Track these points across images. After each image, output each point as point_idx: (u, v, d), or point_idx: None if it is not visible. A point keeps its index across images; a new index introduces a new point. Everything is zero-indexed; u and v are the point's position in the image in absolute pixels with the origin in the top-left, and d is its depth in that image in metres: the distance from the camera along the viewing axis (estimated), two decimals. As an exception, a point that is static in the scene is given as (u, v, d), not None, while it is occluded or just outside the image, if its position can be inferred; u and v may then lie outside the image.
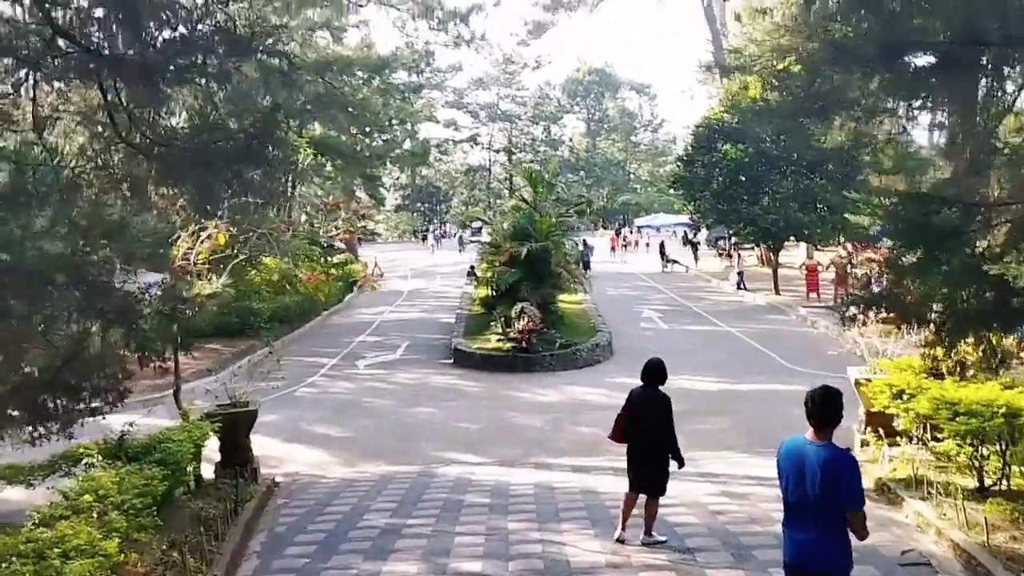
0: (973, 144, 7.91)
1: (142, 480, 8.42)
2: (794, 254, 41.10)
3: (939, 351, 8.22)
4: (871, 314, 19.88)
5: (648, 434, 8.43)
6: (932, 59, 7.17)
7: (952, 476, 9.72)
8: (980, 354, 7.66)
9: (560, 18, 55.18)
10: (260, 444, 13.77)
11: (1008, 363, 7.81)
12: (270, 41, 7.16)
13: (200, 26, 6.22)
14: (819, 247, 37.54)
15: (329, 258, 39.63)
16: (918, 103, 7.30)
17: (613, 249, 52.50)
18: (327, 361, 23.49)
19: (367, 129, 41.16)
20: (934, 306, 7.48)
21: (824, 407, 5.12)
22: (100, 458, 9.39)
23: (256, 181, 7.43)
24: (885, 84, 7.07)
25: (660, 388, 8.50)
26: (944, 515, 8.65)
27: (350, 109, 38.29)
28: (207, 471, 11.84)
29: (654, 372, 8.48)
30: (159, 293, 8.15)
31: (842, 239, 38.19)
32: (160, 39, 6.21)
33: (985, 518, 7.96)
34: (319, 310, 32.40)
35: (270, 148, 6.52)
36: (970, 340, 11.06)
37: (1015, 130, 8.32)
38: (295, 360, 23.51)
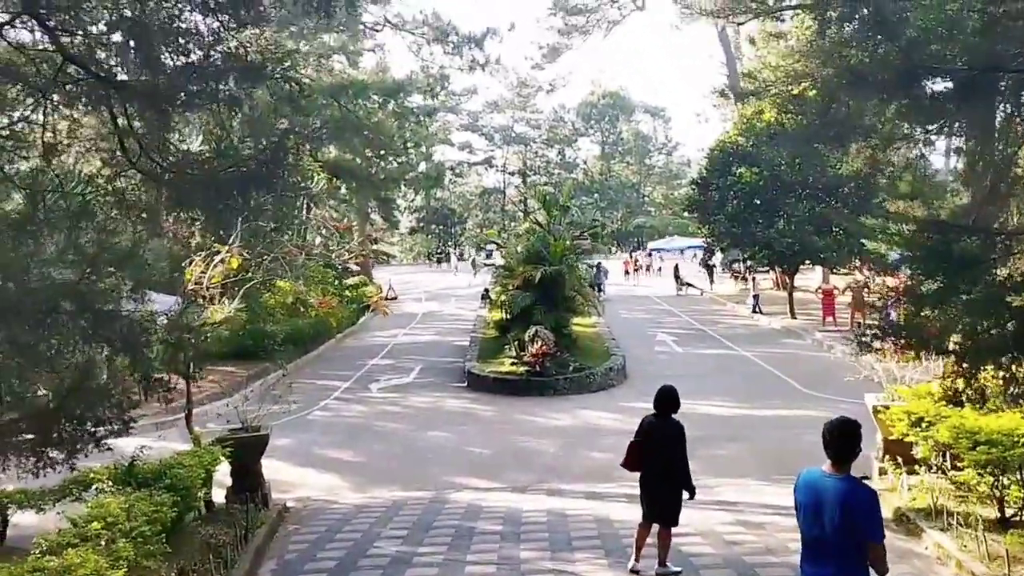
0: (992, 171, 7.81)
1: (151, 506, 8.36)
2: (810, 278, 40.82)
3: (959, 381, 8.06)
4: (889, 343, 19.66)
5: (661, 463, 8.30)
6: (949, 85, 7.10)
7: (972, 506, 9.53)
8: (1001, 384, 7.49)
9: (575, 42, 55.20)
10: (272, 468, 13.72)
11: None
12: (282, 67, 7.15)
13: (212, 53, 6.25)
14: (835, 271, 37.29)
15: (343, 280, 39.74)
16: (935, 129, 7.21)
17: (627, 273, 52.28)
18: (340, 384, 23.46)
19: (381, 152, 41.32)
20: (953, 336, 7.34)
21: (841, 441, 5.00)
22: (110, 483, 9.38)
23: (267, 206, 7.41)
24: (902, 110, 6.99)
25: (673, 416, 8.37)
26: (965, 547, 8.47)
27: (365, 132, 38.47)
28: (218, 496, 11.80)
29: (667, 400, 8.35)
30: (168, 320, 8.10)
31: (858, 263, 37.99)
32: (171, 65, 6.23)
33: (1007, 550, 7.79)
34: (333, 333, 32.42)
35: (281, 174, 6.49)
36: (990, 368, 10.93)
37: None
38: (308, 383, 23.54)
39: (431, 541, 10.11)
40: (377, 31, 41.17)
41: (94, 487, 9.38)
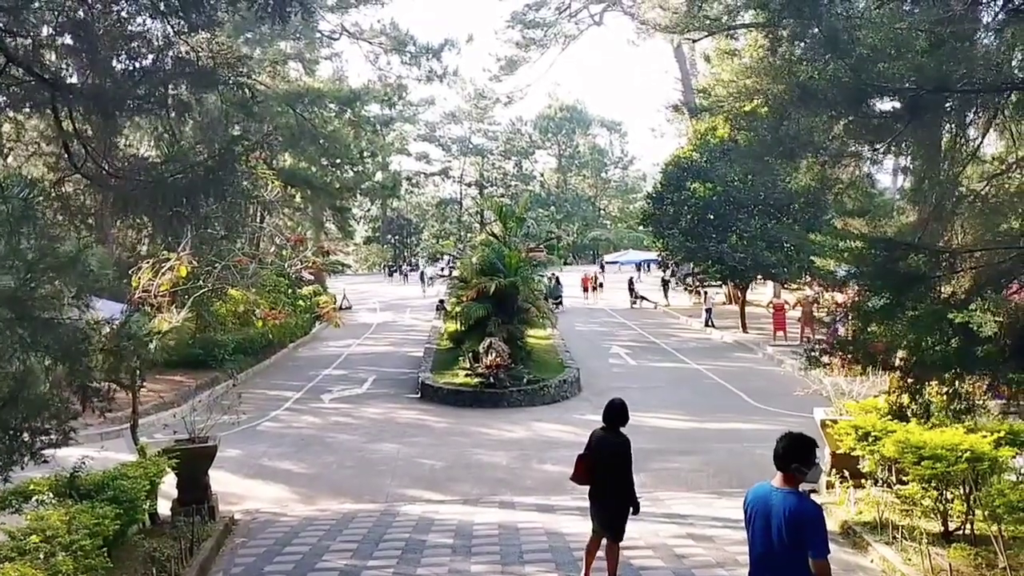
0: (937, 190, 7.96)
1: (93, 519, 8.15)
2: (761, 293, 41.37)
3: (904, 396, 8.19)
4: (837, 359, 19.93)
5: (608, 477, 8.27)
6: (897, 104, 7.23)
7: (917, 520, 9.70)
8: (945, 399, 7.62)
9: (532, 55, 55.49)
10: (220, 480, 13.49)
11: (974, 410, 7.78)
12: (235, 72, 7.03)
13: (162, 57, 6.12)
14: (786, 286, 37.85)
15: (297, 290, 39.32)
16: (883, 147, 7.34)
17: (585, 290, 51.13)
18: (292, 395, 23.17)
19: (337, 161, 41.04)
20: (899, 352, 7.46)
21: (795, 455, 5.05)
22: (51, 495, 9.12)
23: (217, 213, 7.27)
24: (851, 127, 7.10)
25: (621, 429, 8.36)
26: (909, 560, 8.59)
27: (321, 141, 38.19)
28: (165, 508, 11.56)
29: (615, 413, 8.31)
30: (111, 328, 7.89)
31: (809, 279, 38.58)
32: (120, 69, 6.08)
33: (950, 564, 7.92)
34: (285, 343, 32.05)
35: (231, 180, 6.37)
36: (935, 384, 11.13)
37: (978, 177, 8.40)
38: (259, 393, 23.24)
39: (380, 555, 9.99)
40: (334, 39, 40.89)
41: (34, 499, 9.12)
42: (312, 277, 49.31)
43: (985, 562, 8.19)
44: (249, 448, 16.83)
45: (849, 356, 7.49)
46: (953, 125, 7.54)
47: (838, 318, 24.22)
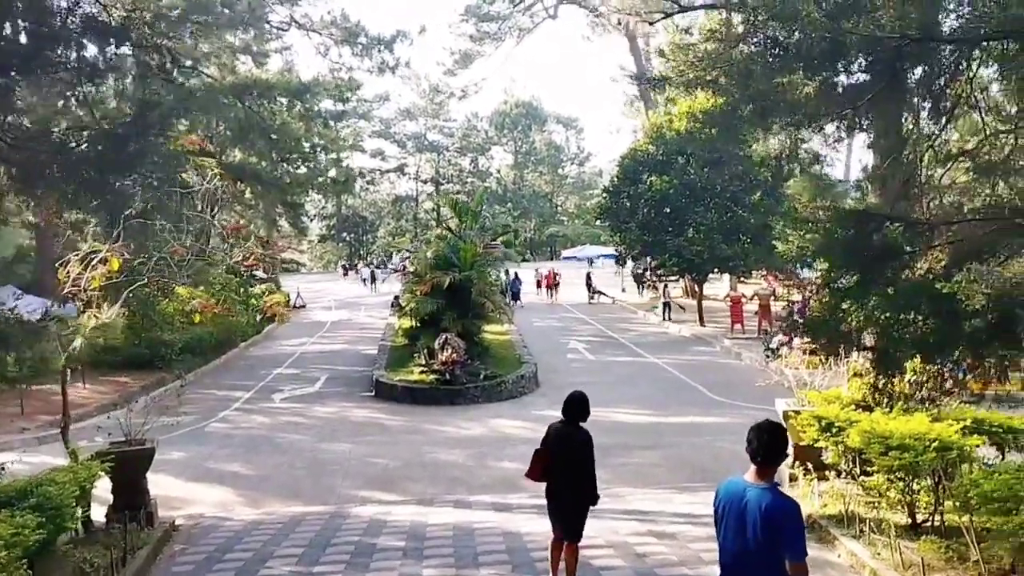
0: (903, 170, 7.66)
1: (11, 529, 7.52)
2: (717, 287, 41.35)
3: (872, 380, 7.88)
4: (795, 343, 19.77)
5: (567, 473, 7.84)
6: (865, 77, 6.91)
7: (883, 512, 9.42)
8: (914, 385, 7.33)
9: (487, 48, 55.05)
10: (162, 484, 12.92)
11: (953, 393, 7.51)
12: (152, 32, 6.43)
13: (71, 18, 5.53)
14: (743, 280, 37.89)
15: (249, 288, 38.48)
16: (849, 115, 7.00)
17: (539, 285, 49.51)
18: (242, 395, 22.49)
19: (289, 156, 40.14)
20: (872, 330, 7.12)
21: (772, 444, 4.66)
22: (-32, 504, 8.46)
23: (131, 190, 6.65)
24: (824, 89, 6.74)
25: (582, 424, 7.94)
26: (878, 555, 8.30)
27: (272, 135, 37.33)
28: (101, 515, 10.91)
29: (576, 406, 7.87)
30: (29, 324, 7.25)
31: (765, 272, 38.68)
32: (19, 28, 5.49)
33: (922, 558, 7.62)
34: (236, 342, 31.26)
35: (147, 151, 5.79)
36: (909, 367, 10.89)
37: (941, 160, 8.16)
38: (207, 394, 22.55)
39: (328, 560, 9.48)
40: (283, 31, 39.99)
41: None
42: (265, 276, 48.46)
43: (956, 555, 7.91)
44: (195, 450, 16.18)
45: (819, 337, 7.15)
46: (917, 99, 7.22)
47: (797, 308, 24.22)
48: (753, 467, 4.71)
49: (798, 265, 33.96)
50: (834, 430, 10.33)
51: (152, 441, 11.42)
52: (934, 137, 7.21)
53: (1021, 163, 6.27)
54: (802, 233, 7.57)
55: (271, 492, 13.62)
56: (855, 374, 12.76)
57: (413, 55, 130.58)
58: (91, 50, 5.71)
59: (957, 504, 7.77)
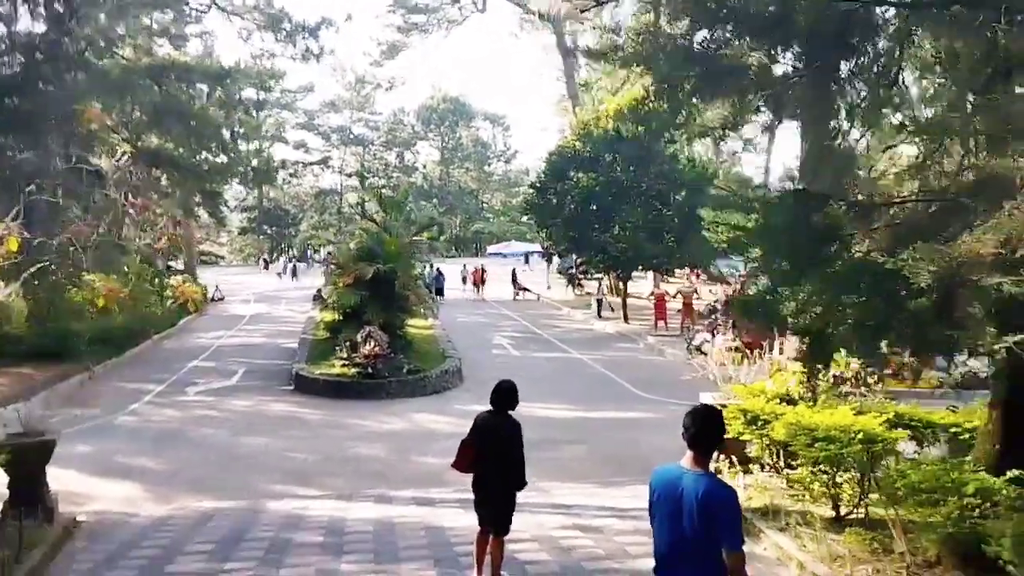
0: (834, 162, 7.61)
1: None
2: (641, 285, 41.68)
3: (800, 371, 7.82)
4: (718, 341, 19.97)
5: (495, 464, 7.60)
6: (798, 65, 6.84)
7: (808, 505, 9.44)
8: (847, 380, 7.29)
9: (414, 40, 54.57)
10: (65, 479, 12.20)
11: (897, 375, 7.48)
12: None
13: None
14: (666, 278, 38.30)
15: (165, 279, 37.27)
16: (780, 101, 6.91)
17: (464, 281, 48.64)
18: (154, 387, 21.60)
19: (207, 143, 38.89)
20: (806, 316, 7.02)
21: (708, 428, 4.49)
22: None
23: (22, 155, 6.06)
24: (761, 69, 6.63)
25: (510, 413, 7.70)
26: (804, 547, 8.27)
27: (192, 123, 36.11)
28: (-5, 511, 10.23)
29: (505, 396, 7.62)
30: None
31: (689, 270, 39.22)
32: None
33: (848, 550, 7.60)
34: (150, 333, 30.12)
35: (38, 113, 5.23)
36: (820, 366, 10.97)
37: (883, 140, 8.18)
38: (117, 387, 21.65)
39: (240, 556, 9.03)
40: (203, 13, 38.77)
41: None
42: (182, 267, 47.10)
43: (882, 547, 7.92)
44: (101, 444, 15.41)
45: (754, 320, 7.04)
46: (848, 87, 7.16)
47: (718, 305, 24.46)
48: (689, 453, 4.52)
49: (718, 262, 34.54)
50: (759, 423, 10.35)
51: (53, 433, 10.76)
52: (870, 116, 7.17)
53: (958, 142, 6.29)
54: (733, 222, 7.46)
55: (182, 487, 13.02)
56: (778, 369, 12.89)
57: (339, 45, 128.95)
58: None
59: (883, 496, 7.78)
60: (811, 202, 6.07)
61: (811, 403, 10.84)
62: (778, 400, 11.08)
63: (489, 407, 7.68)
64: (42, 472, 10.60)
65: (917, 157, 6.62)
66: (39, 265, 11.70)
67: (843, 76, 7.53)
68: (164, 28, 34.93)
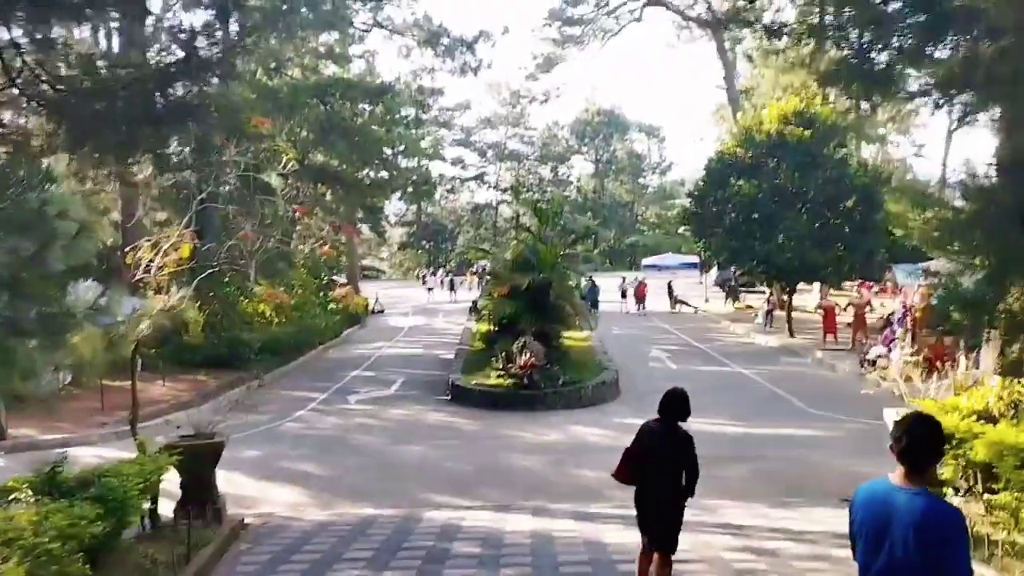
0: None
1: (67, 520, 7.14)
2: (805, 298, 39.74)
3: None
4: (894, 356, 18.48)
5: (660, 478, 7.09)
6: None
7: (1016, 534, 8.40)
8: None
9: (570, 53, 54.48)
10: (235, 482, 12.61)
11: None
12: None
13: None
14: (835, 289, 36.32)
15: (329, 292, 38.64)
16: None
17: (624, 295, 46.62)
18: (318, 396, 22.24)
19: (369, 158, 40.10)
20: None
21: (926, 439, 3.84)
22: (29, 493, 8.16)
23: (178, 134, 6.08)
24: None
25: (680, 424, 7.18)
26: (1016, 582, 7.33)
27: (356, 139, 37.28)
28: (168, 509, 10.57)
29: (676, 404, 7.10)
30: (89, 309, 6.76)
31: (859, 282, 37.01)
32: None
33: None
34: (315, 344, 31.23)
35: (196, 96, 5.26)
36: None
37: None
38: (284, 394, 22.42)
39: (398, 564, 8.91)
40: (366, 32, 40.07)
41: (11, 497, 8.16)
42: (345, 280, 48.77)
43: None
44: (268, 449, 15.89)
45: (976, 318, 6.25)
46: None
47: (895, 317, 22.75)
48: (901, 468, 3.89)
49: (895, 269, 32.23)
50: (954, 442, 9.36)
51: (222, 436, 11.06)
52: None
53: None
54: (927, 215, 6.67)
55: (343, 493, 13.16)
56: (972, 384, 11.71)
57: (495, 59, 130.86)
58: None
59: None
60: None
61: (1015, 420, 9.72)
62: (975, 417, 10.00)
63: (656, 416, 7.19)
64: (212, 474, 10.91)
65: None
66: (210, 271, 12.18)
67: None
68: (329, 48, 36.32)
